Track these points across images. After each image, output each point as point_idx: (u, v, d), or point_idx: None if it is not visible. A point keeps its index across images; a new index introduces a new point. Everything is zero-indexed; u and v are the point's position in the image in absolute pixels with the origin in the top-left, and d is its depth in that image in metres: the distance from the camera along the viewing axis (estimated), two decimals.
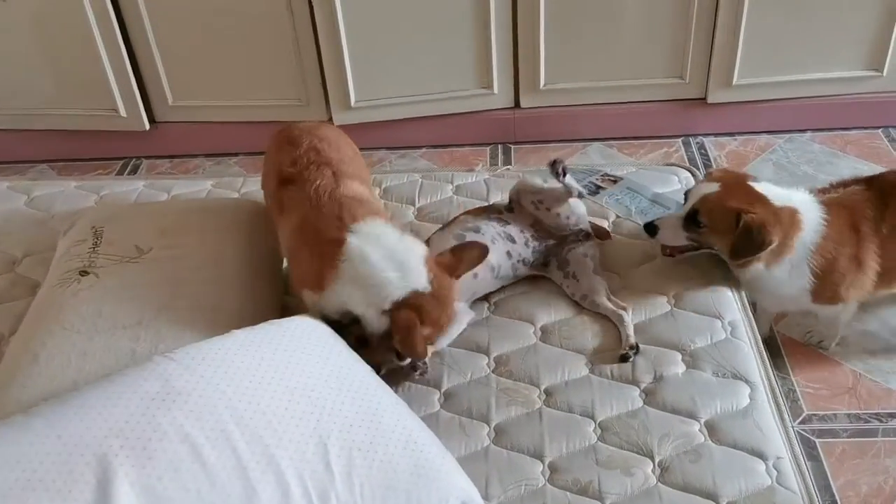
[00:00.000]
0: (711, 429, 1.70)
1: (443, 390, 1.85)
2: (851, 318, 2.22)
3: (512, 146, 3.25)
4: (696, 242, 2.03)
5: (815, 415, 2.16)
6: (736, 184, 1.99)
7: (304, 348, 1.67)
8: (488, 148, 3.25)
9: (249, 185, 2.50)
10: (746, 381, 1.80)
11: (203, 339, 1.73)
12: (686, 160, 3.09)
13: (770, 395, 1.78)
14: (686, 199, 2.04)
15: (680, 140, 3.19)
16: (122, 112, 3.19)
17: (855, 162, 3.01)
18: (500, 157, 3.19)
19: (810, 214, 1.98)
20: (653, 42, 3.01)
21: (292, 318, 1.78)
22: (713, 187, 1.98)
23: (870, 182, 2.07)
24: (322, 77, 3.10)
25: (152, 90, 3.23)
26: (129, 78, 3.13)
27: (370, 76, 3.08)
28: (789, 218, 1.94)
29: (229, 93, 3.20)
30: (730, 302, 2.01)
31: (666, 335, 1.92)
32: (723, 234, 1.95)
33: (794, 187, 2.05)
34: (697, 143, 3.17)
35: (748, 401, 1.75)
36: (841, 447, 2.06)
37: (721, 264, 2.06)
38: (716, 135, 3.20)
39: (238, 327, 1.72)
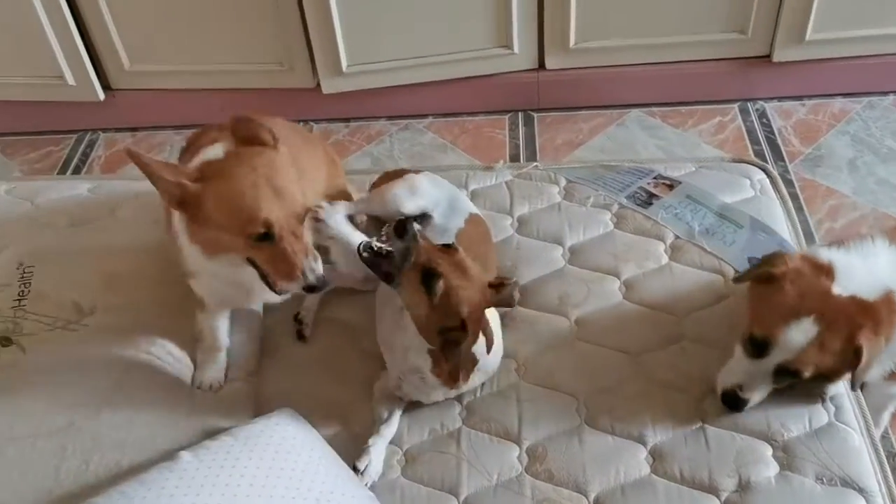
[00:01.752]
0: None
1: (462, 498, 1.44)
2: None
3: (535, 115, 2.75)
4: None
5: None
6: (819, 296, 1.42)
7: (279, 470, 1.27)
8: (507, 117, 2.76)
9: None
10: (860, 491, 1.41)
11: (151, 450, 1.34)
12: (744, 130, 2.60)
13: None
14: (766, 346, 1.46)
15: (736, 106, 2.69)
16: (70, 80, 2.71)
17: None
18: (522, 128, 2.70)
19: None
20: None
21: (262, 423, 1.37)
22: (811, 327, 1.41)
23: None
24: (306, 35, 2.58)
25: (104, 53, 2.73)
26: (74, 39, 2.63)
27: (364, 35, 2.58)
28: (888, 311, 1.42)
29: (197, 55, 2.71)
30: None
31: (749, 417, 1.51)
32: (832, 371, 1.45)
33: (871, 239, 1.51)
34: (758, 109, 2.67)
35: None
36: None
37: None
38: (780, 99, 2.69)
39: (202, 431, 1.42)
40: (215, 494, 1.19)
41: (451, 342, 1.38)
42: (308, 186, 1.63)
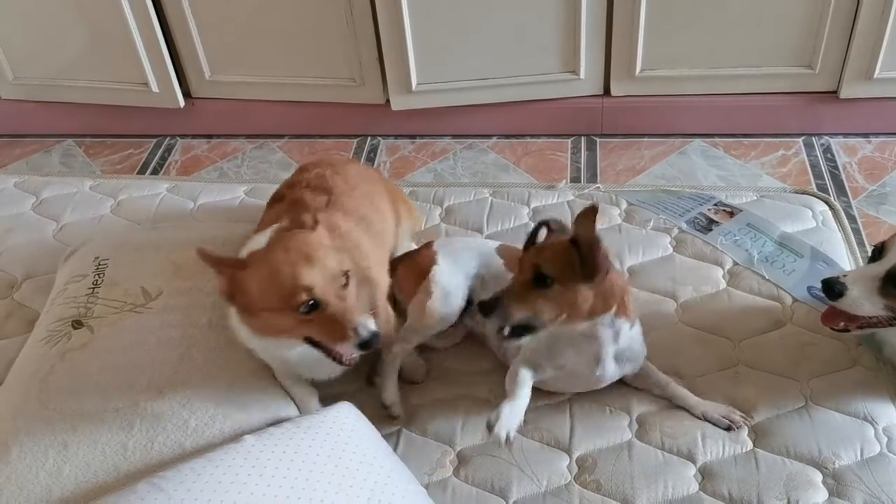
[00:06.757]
0: None
1: (510, 501, 1.47)
2: None
3: (598, 140, 2.78)
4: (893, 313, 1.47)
5: None
6: None
7: (338, 459, 1.33)
8: (570, 140, 2.79)
9: None
10: None
11: (212, 431, 1.40)
12: (807, 164, 2.59)
13: None
14: (883, 250, 1.50)
15: (801, 140, 2.68)
16: (154, 87, 2.83)
17: None
18: (584, 152, 2.73)
19: None
20: (778, 24, 2.49)
21: (322, 414, 1.43)
22: None
23: None
24: (379, 54, 2.66)
25: (188, 63, 2.85)
26: (161, 49, 2.75)
27: (435, 55, 2.64)
28: None
29: (274, 68, 2.80)
30: (884, 400, 1.57)
31: (800, 443, 1.52)
32: None
33: None
34: (822, 144, 2.66)
35: None
36: None
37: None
38: (845, 135, 2.67)
39: (262, 413, 1.49)
40: (277, 476, 1.25)
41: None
42: (375, 236, 1.72)
